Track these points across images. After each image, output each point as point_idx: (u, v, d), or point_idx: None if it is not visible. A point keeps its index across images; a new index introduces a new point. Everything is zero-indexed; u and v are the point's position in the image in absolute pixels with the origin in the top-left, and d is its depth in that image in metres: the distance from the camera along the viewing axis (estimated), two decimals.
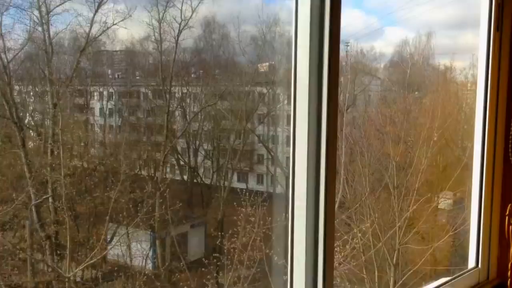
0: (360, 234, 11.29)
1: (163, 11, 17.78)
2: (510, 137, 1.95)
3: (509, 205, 2.05)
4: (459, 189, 12.97)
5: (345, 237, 11.00)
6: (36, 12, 11.98)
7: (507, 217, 2.03)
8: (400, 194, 12.22)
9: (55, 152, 12.10)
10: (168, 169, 22.42)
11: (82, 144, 17.20)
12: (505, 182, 2.09)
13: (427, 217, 13.18)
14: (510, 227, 2.01)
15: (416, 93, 19.58)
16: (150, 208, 17.03)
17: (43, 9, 12.04)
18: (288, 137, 23.75)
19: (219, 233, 13.47)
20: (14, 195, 10.85)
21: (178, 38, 18.22)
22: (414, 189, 12.33)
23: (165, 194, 17.95)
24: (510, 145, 2.00)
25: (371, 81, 21.36)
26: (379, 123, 16.18)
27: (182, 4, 18.05)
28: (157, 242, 16.51)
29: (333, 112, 1.76)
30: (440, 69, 22.84)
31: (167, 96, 19.18)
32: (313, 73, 1.75)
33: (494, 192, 2.07)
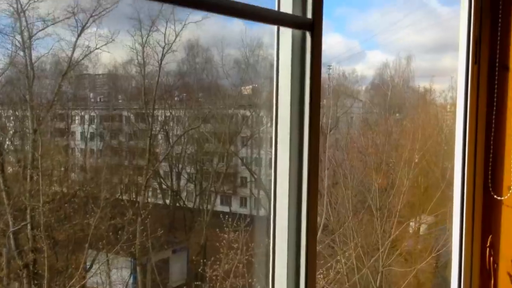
0: (344, 260, 11.27)
1: (146, 35, 17.88)
2: (490, 167, 1.99)
3: (490, 236, 2.07)
4: (441, 211, 13.07)
5: (330, 262, 10.96)
6: (18, 37, 11.92)
7: (488, 249, 2.04)
8: (383, 216, 12.27)
9: (35, 178, 11.88)
10: (150, 193, 22.19)
11: (62, 169, 16.94)
12: (485, 214, 2.11)
13: (409, 239, 13.24)
14: (491, 258, 2.02)
15: (397, 115, 19.89)
16: (131, 234, 16.75)
17: (25, 33, 11.98)
18: (271, 160, 23.75)
19: (202, 259, 13.28)
20: None
21: (161, 62, 18.28)
22: (396, 210, 12.40)
23: (146, 220, 17.71)
24: (489, 176, 2.04)
25: (353, 104, 21.65)
26: (361, 145, 16.33)
27: (166, 28, 18.17)
28: (138, 268, 16.19)
29: (314, 135, 1.79)
30: (420, 91, 23.32)
31: (150, 119, 19.11)
32: (295, 97, 1.79)
33: (475, 224, 2.09)
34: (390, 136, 16.29)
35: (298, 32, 1.82)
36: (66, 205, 13.85)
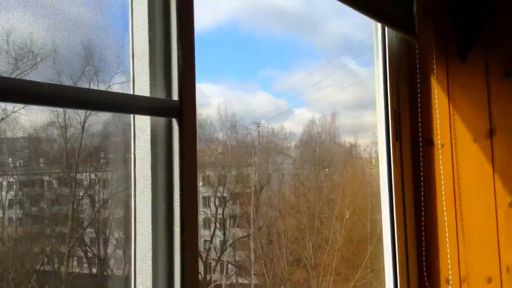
0: None
1: None
2: (423, 257, 1.84)
3: None
4: (375, 265, 13.18)
5: None
6: None
7: None
8: (319, 274, 12.12)
9: None
10: (75, 263, 20.63)
11: None
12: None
13: None
14: None
15: (327, 170, 20.36)
16: None
17: None
18: (205, 220, 23.23)
19: None
20: None
21: (84, 123, 17.63)
22: (332, 268, 12.32)
23: None
24: (424, 267, 1.88)
25: (283, 160, 21.96)
26: (293, 201, 16.39)
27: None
28: None
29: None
30: (346, 146, 24.24)
31: (73, 184, 18.07)
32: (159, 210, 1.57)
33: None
34: (321, 192, 16.53)
35: (160, 120, 1.47)
36: None
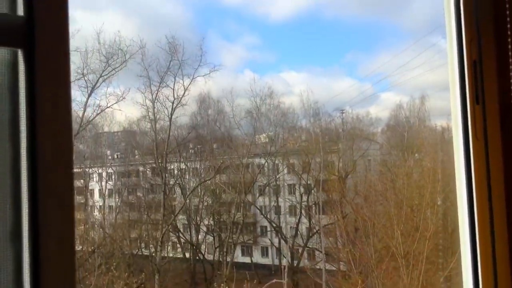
0: None
1: (156, 92, 18.17)
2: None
3: None
4: None
5: None
6: None
7: None
8: (409, 263, 11.62)
9: None
10: (169, 248, 21.79)
11: (81, 227, 16.79)
12: None
13: (441, 284, 12.46)
14: None
15: (416, 155, 19.43)
16: None
17: None
18: (291, 207, 23.30)
19: None
20: None
21: (171, 116, 18.44)
22: (423, 257, 11.74)
23: (166, 275, 17.24)
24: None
25: (369, 146, 21.31)
26: (380, 188, 15.85)
27: (174, 83, 18.49)
28: None
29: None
30: (437, 130, 22.93)
31: (164, 173, 19.02)
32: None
33: None
34: (410, 178, 15.78)
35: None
36: (86, 261, 13.54)
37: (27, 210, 0.85)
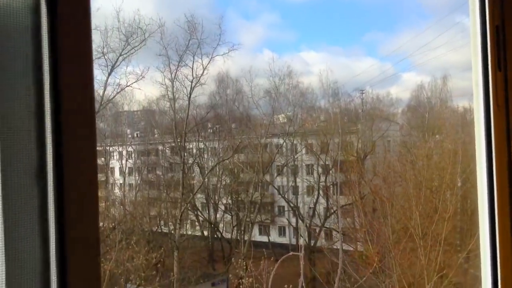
0: None
1: (175, 71, 18.19)
2: None
3: None
4: None
5: None
6: None
7: None
8: (427, 244, 11.57)
9: None
10: (188, 226, 22.11)
11: (102, 204, 17.14)
12: None
13: (459, 266, 12.41)
14: None
15: (437, 136, 19.16)
16: (168, 267, 16.60)
17: None
18: (308, 187, 23.33)
19: None
20: None
21: (190, 95, 18.50)
22: (441, 238, 11.67)
23: (184, 252, 17.54)
24: None
25: (389, 127, 21.08)
26: (399, 169, 15.71)
27: (193, 62, 18.48)
28: None
29: None
30: (459, 111, 22.51)
31: (183, 153, 19.19)
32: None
33: None
34: (430, 159, 15.60)
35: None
36: (106, 238, 13.88)
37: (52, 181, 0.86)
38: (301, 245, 13.90)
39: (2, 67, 0.82)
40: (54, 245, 0.85)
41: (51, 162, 0.85)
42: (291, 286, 9.90)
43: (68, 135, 0.86)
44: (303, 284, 8.41)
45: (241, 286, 12.27)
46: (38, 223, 0.84)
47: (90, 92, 0.92)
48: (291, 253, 9.83)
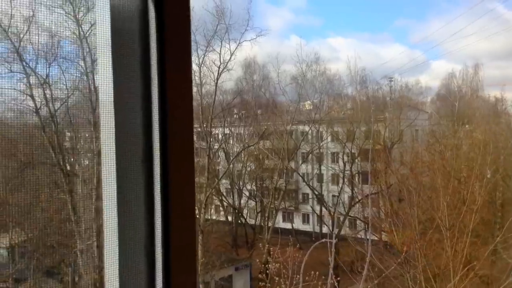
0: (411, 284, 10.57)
1: (202, 56, 18.21)
2: None
3: None
4: None
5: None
6: (81, 63, 12.48)
7: None
8: (453, 235, 11.41)
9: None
10: (213, 211, 22.36)
11: None
12: None
13: (485, 259, 12.21)
14: None
15: (467, 126, 18.74)
16: None
17: (88, 59, 12.51)
18: (333, 175, 23.23)
19: (265, 276, 12.97)
20: (59, 239, 10.97)
21: (217, 80, 18.52)
22: (469, 230, 11.49)
23: (208, 237, 17.77)
24: None
25: (417, 116, 20.71)
26: (427, 159, 15.48)
27: (221, 48, 18.47)
28: (201, 286, 16.23)
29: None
30: (490, 101, 21.91)
31: (208, 138, 19.31)
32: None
33: None
34: (459, 149, 15.30)
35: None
36: None
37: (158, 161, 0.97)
38: (334, 232, 13.91)
39: (120, 66, 0.91)
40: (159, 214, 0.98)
41: (158, 149, 0.97)
42: (317, 273, 9.94)
43: (172, 128, 0.98)
44: (332, 272, 8.42)
45: (267, 271, 12.37)
46: (144, 200, 0.98)
47: (189, 86, 1.07)
48: (323, 240, 9.83)
